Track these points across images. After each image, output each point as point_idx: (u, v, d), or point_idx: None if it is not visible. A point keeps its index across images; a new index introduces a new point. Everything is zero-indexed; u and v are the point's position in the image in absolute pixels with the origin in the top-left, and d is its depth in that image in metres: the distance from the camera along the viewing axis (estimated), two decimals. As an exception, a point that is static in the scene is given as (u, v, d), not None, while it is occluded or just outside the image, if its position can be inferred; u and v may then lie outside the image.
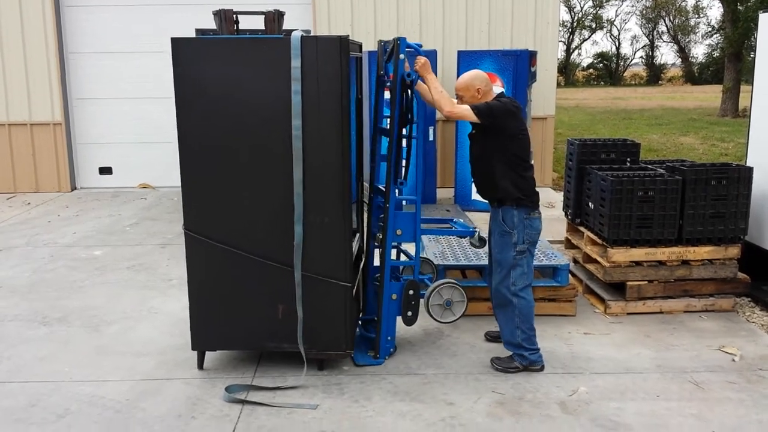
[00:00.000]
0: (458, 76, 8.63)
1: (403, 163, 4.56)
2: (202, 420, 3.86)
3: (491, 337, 4.81)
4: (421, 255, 5.16)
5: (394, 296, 4.47)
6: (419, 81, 4.44)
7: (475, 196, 8.02)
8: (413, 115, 4.46)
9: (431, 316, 4.48)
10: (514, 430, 3.74)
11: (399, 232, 4.42)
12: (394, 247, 4.58)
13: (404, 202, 4.54)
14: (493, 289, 4.46)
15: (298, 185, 4.07)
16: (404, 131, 4.50)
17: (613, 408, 3.96)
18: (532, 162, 4.46)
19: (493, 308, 4.59)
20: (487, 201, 4.47)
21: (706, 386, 4.23)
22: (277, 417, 3.88)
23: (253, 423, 3.82)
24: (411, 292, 4.44)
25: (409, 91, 4.37)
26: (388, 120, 4.47)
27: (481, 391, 4.15)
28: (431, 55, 8.63)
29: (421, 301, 4.49)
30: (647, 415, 3.88)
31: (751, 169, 5.45)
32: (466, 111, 4.19)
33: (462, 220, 4.82)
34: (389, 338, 4.55)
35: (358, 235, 4.71)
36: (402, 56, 4.21)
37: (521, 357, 4.38)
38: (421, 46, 4.65)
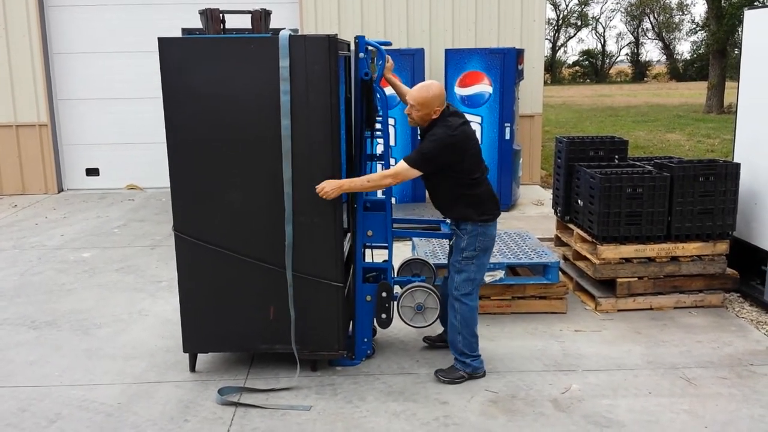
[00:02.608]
0: (446, 74, 8.70)
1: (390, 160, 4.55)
2: (194, 423, 3.84)
3: (430, 342, 4.76)
4: (416, 256, 5.15)
5: (368, 298, 4.44)
6: (383, 78, 4.45)
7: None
8: (376, 113, 4.45)
9: (400, 317, 4.44)
10: (508, 429, 3.74)
11: (370, 233, 4.40)
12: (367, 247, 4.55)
13: (367, 205, 4.49)
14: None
15: (287, 185, 4.06)
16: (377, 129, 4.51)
17: (605, 405, 3.98)
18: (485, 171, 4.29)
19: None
20: None
21: (698, 382, 4.25)
22: (270, 419, 3.87)
23: (247, 425, 3.80)
24: (384, 294, 4.39)
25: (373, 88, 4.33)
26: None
27: (474, 390, 4.16)
28: (418, 54, 8.64)
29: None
30: (639, 412, 3.90)
31: (738, 165, 5.49)
32: (406, 172, 4.02)
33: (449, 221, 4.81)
34: (365, 340, 4.52)
35: (349, 235, 4.70)
36: (362, 55, 4.18)
37: (464, 364, 4.29)
38: (390, 44, 4.61)
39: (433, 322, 4.46)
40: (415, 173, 4.03)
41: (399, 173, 4.05)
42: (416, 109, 4.07)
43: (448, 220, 4.49)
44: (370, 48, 4.29)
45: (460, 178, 4.10)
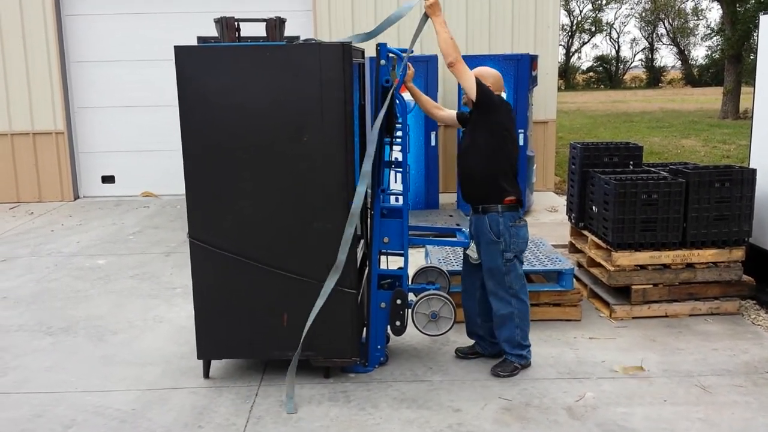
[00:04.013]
0: (459, 81, 8.69)
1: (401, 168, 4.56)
2: (208, 429, 3.86)
3: (462, 354, 4.73)
4: (431, 264, 5.14)
5: (382, 305, 4.43)
6: (404, 85, 4.48)
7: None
8: (396, 120, 4.48)
9: (414, 323, 4.43)
10: (522, 436, 3.73)
11: (386, 239, 4.41)
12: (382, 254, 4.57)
13: (384, 212, 4.49)
14: (490, 293, 4.43)
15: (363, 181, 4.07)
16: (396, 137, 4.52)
17: (620, 413, 3.95)
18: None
19: (476, 316, 4.60)
20: (471, 205, 4.46)
21: (713, 390, 4.22)
22: (284, 425, 3.87)
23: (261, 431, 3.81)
24: (399, 301, 4.40)
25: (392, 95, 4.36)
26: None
27: (488, 398, 4.15)
28: (432, 61, 8.65)
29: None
30: (655, 420, 3.87)
31: (754, 171, 5.45)
32: (469, 76, 4.18)
33: (466, 229, 4.79)
34: (379, 347, 4.52)
35: (363, 241, 4.70)
36: (383, 62, 4.21)
37: (519, 357, 4.45)
38: (411, 51, 4.64)
39: (446, 332, 4.44)
40: (471, 85, 4.17)
41: (465, 67, 4.17)
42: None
43: (465, 229, 4.49)
44: (391, 55, 4.31)
45: (503, 153, 4.29)
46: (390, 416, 3.95)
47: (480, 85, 4.22)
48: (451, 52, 4.14)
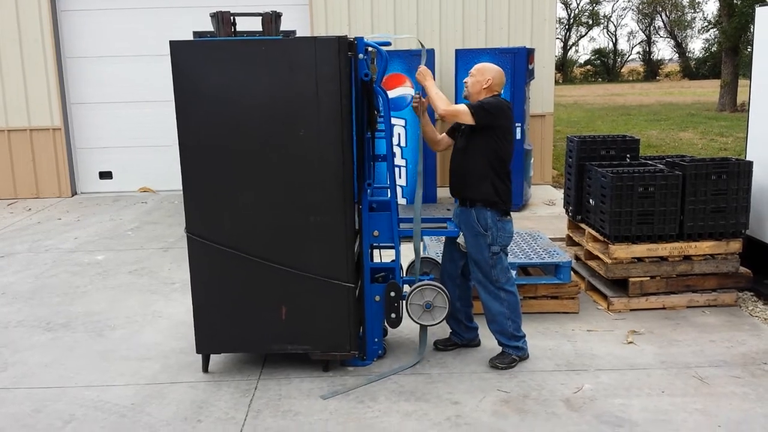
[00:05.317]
0: (456, 74, 8.72)
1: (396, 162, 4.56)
2: (207, 423, 3.87)
3: (442, 346, 4.77)
4: (424, 255, 5.16)
5: (377, 298, 4.45)
6: (419, 116, 4.55)
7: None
8: (377, 113, 4.49)
9: (409, 314, 4.42)
10: (520, 428, 3.74)
11: (376, 233, 4.42)
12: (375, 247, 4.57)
13: (373, 205, 4.51)
14: (478, 284, 4.47)
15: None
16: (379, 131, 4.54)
17: (618, 404, 3.97)
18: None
19: (455, 299, 4.62)
20: (457, 199, 4.49)
21: (711, 381, 4.23)
22: (283, 419, 3.88)
23: (260, 425, 3.83)
24: (392, 294, 4.41)
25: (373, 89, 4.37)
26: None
27: (486, 390, 4.16)
28: (429, 54, 8.63)
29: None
30: (652, 411, 3.89)
31: (750, 164, 5.46)
32: (461, 110, 4.24)
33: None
34: (376, 340, 4.54)
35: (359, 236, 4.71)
36: (361, 56, 4.20)
37: (516, 348, 4.48)
38: (389, 44, 4.62)
39: (441, 321, 4.45)
40: (467, 116, 4.21)
41: (456, 109, 4.27)
42: (472, 74, 4.40)
43: (458, 230, 4.51)
44: (370, 49, 4.30)
45: (497, 156, 4.29)
46: (389, 409, 3.97)
47: (474, 111, 4.21)
48: (439, 104, 4.26)
